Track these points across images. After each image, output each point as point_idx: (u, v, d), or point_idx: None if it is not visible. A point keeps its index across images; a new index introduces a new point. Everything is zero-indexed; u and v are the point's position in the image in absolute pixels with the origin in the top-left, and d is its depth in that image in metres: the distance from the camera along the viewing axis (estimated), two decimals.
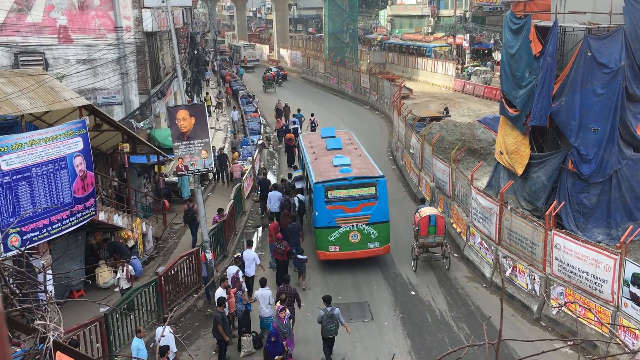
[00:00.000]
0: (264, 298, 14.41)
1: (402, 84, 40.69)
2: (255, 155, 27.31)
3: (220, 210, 20.16)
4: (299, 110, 35.03)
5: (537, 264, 15.15)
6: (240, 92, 46.30)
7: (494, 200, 17.23)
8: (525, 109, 19.22)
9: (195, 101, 33.71)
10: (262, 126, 35.24)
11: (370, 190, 18.06)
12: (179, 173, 16.58)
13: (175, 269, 16.08)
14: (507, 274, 16.00)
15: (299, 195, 21.55)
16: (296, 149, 28.01)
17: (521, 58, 19.70)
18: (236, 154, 28.38)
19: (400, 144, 28.87)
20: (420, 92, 47.02)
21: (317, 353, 13.97)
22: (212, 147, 18.65)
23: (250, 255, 16.80)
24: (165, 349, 11.60)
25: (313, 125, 33.06)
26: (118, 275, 16.18)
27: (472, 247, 18.36)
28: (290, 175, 24.14)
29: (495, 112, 31.16)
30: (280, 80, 53.39)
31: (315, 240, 18.61)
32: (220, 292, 14.42)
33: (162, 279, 15.24)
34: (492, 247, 16.99)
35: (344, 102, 45.94)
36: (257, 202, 24.68)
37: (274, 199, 21.42)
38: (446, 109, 37.09)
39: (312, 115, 34.09)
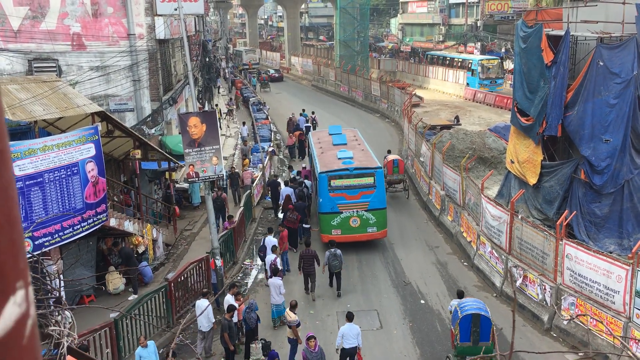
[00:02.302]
0: (275, 287, 15.42)
1: (413, 92, 40.70)
2: (265, 163, 27.41)
3: (230, 217, 20.22)
4: (303, 110, 38.20)
5: (548, 273, 15.07)
6: (251, 99, 46.47)
7: (505, 209, 17.16)
8: (539, 118, 19.17)
9: (206, 108, 33.85)
10: (272, 133, 35.35)
11: (369, 180, 20.14)
12: (189, 180, 16.67)
13: (185, 275, 16.13)
14: (518, 283, 15.91)
15: (306, 181, 23.50)
16: (306, 143, 30.34)
17: (533, 67, 19.66)
18: (247, 160, 28.58)
19: (411, 152, 28.86)
20: (430, 100, 46.99)
21: None
22: (224, 161, 19.06)
23: (270, 241, 18.15)
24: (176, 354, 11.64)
25: (314, 122, 36.31)
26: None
27: (482, 256, 18.29)
28: (299, 173, 25.82)
29: (506, 120, 31.04)
30: (266, 81, 57.37)
31: (320, 225, 20.55)
32: (229, 299, 14.44)
33: (172, 285, 15.29)
34: (503, 257, 16.91)
35: (354, 110, 46.00)
36: (270, 208, 24.73)
37: (285, 195, 22.13)
38: (457, 118, 37.02)
39: (313, 113, 37.54)
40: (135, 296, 16.85)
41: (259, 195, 25.50)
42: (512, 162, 21.42)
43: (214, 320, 14.52)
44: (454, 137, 28.26)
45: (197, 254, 18.64)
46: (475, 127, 34.36)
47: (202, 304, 14.30)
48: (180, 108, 28.57)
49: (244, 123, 36.75)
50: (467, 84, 48.20)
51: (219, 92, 51.08)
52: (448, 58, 53.81)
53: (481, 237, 18.37)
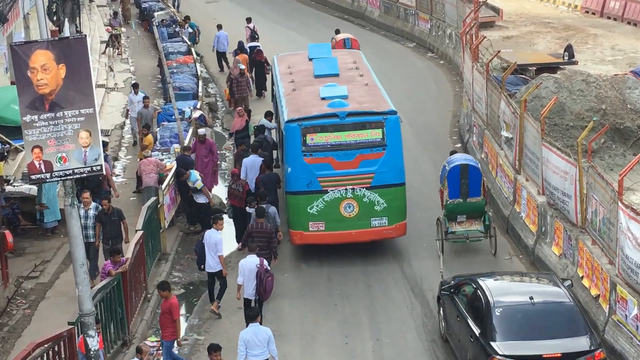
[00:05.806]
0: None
1: None
2: (188, 140, 27.29)
3: (115, 253, 19.97)
4: (188, 19, 45.07)
5: None
6: (156, 13, 46.25)
7: None
8: None
9: (67, 33, 33.71)
10: (199, 82, 35.13)
11: (375, 134, 21.72)
12: (33, 176, 16.51)
13: None
14: None
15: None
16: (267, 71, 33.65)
17: None
18: (150, 137, 27.99)
19: (478, 117, 28.94)
20: (516, 14, 47.25)
21: None
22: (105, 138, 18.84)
23: (212, 237, 20.19)
24: None
25: (254, 35, 40.86)
26: None
27: (623, 326, 18.32)
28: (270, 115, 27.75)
29: None
30: None
31: (288, 214, 22.24)
32: None
33: None
34: None
35: (364, 35, 46.04)
36: (195, 233, 24.77)
37: (252, 170, 23.65)
38: (568, 49, 37.13)
39: (249, 21, 42.00)
40: None
41: (174, 205, 25.38)
42: None
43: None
44: (563, 89, 28.37)
45: (49, 326, 18.56)
46: (605, 68, 34.50)
47: None
48: (13, 32, 28.39)
49: (135, 86, 33.52)
50: None
51: (91, 1, 50.90)
52: None
53: (619, 288, 18.41)
